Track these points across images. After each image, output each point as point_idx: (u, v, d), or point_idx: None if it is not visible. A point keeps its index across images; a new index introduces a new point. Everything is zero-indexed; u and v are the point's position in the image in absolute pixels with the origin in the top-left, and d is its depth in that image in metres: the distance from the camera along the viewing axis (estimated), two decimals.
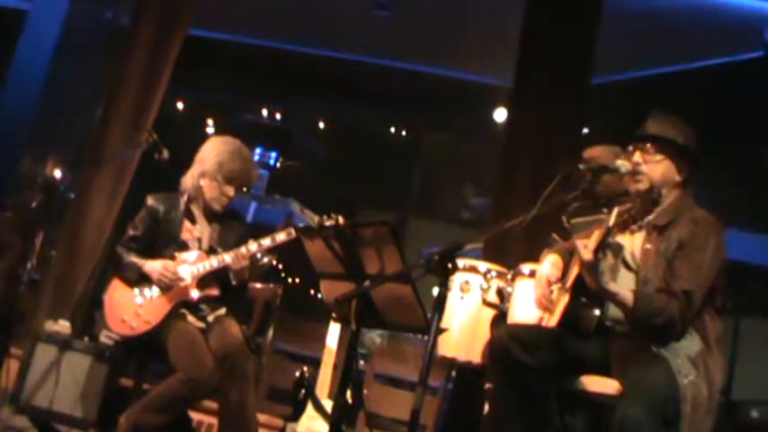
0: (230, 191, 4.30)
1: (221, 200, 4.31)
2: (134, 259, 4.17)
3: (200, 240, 4.29)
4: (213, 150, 4.33)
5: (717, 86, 7.60)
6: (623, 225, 3.25)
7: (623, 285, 3.17)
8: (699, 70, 7.76)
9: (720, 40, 7.40)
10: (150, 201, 4.33)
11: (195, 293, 4.15)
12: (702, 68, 7.74)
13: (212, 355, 3.95)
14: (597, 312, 3.24)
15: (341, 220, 4.06)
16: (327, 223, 4.00)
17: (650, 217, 3.26)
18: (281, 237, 4.12)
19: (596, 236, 3.10)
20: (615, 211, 3.10)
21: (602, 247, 3.11)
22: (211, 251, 4.25)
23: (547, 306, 3.46)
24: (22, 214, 5.81)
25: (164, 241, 4.25)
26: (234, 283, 4.20)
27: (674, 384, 2.97)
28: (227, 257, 4.13)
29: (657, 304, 3.05)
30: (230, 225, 4.40)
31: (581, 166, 3.34)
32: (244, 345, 4.02)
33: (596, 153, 4.08)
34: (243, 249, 4.12)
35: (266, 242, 4.14)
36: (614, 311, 3.24)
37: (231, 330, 4.08)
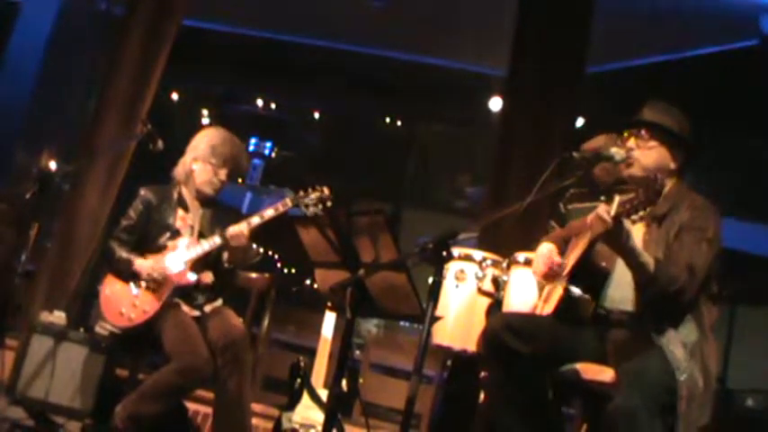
0: (223, 174, 4.31)
1: (214, 183, 4.31)
2: (125, 255, 4.17)
3: (192, 228, 4.29)
4: (206, 137, 4.38)
5: (712, 75, 7.60)
6: (626, 215, 3.23)
7: (623, 270, 3.16)
8: (694, 59, 7.75)
9: (716, 29, 7.38)
10: (143, 192, 4.33)
11: (192, 276, 4.15)
12: (697, 57, 7.73)
13: (213, 344, 3.97)
14: (593, 300, 3.23)
15: (326, 191, 4.10)
16: (313, 195, 4.10)
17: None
18: (268, 213, 4.14)
19: (616, 201, 3.00)
20: (616, 200, 3.04)
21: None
22: (202, 237, 4.25)
23: (557, 273, 3.40)
24: (17, 206, 5.79)
25: (157, 230, 4.25)
26: (226, 265, 4.22)
27: (670, 375, 2.95)
28: (218, 239, 4.14)
29: (673, 271, 3.02)
30: (222, 212, 4.43)
31: (575, 154, 3.31)
32: (246, 335, 4.05)
33: (599, 142, 4.06)
34: (234, 229, 4.12)
35: (255, 220, 4.15)
36: (610, 299, 3.24)
37: (233, 321, 4.11)
